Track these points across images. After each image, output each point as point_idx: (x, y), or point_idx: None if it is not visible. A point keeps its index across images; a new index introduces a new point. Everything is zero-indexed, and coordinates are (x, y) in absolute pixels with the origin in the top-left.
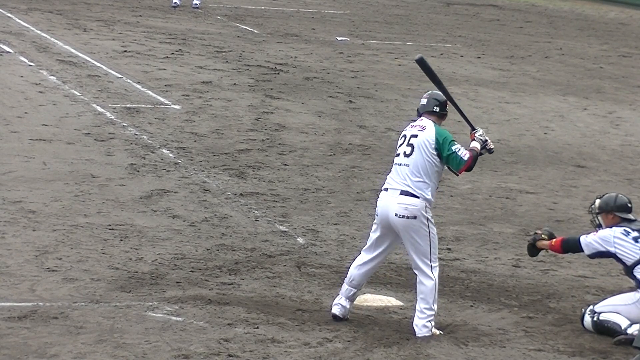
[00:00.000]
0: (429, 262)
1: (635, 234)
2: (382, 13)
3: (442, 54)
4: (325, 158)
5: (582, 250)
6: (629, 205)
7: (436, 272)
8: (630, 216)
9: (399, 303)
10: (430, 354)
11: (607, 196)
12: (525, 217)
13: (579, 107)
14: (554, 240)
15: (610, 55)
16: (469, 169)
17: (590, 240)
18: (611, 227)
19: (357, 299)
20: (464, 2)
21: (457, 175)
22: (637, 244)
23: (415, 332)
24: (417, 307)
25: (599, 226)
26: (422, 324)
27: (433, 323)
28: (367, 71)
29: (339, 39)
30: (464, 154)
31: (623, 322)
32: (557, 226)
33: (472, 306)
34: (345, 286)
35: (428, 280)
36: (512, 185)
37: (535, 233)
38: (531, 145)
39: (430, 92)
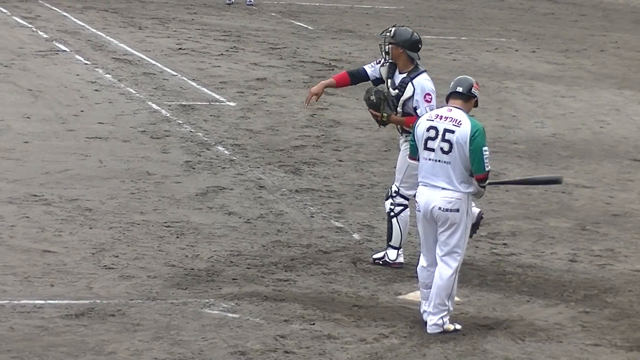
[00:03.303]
0: (456, 255)
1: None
2: (436, 8)
3: (496, 49)
4: (380, 154)
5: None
6: (420, 45)
7: (459, 265)
8: (416, 57)
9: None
10: (486, 349)
11: (405, 30)
12: (582, 211)
13: (635, 100)
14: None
15: None
16: (485, 179)
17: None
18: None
19: (413, 295)
20: None
21: (472, 177)
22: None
23: (426, 326)
24: (432, 302)
25: (387, 54)
26: (433, 323)
27: (446, 319)
28: None
29: None
30: (488, 163)
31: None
32: (614, 220)
33: (528, 301)
34: (424, 291)
35: (447, 271)
36: (568, 180)
37: None
38: (587, 139)
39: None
